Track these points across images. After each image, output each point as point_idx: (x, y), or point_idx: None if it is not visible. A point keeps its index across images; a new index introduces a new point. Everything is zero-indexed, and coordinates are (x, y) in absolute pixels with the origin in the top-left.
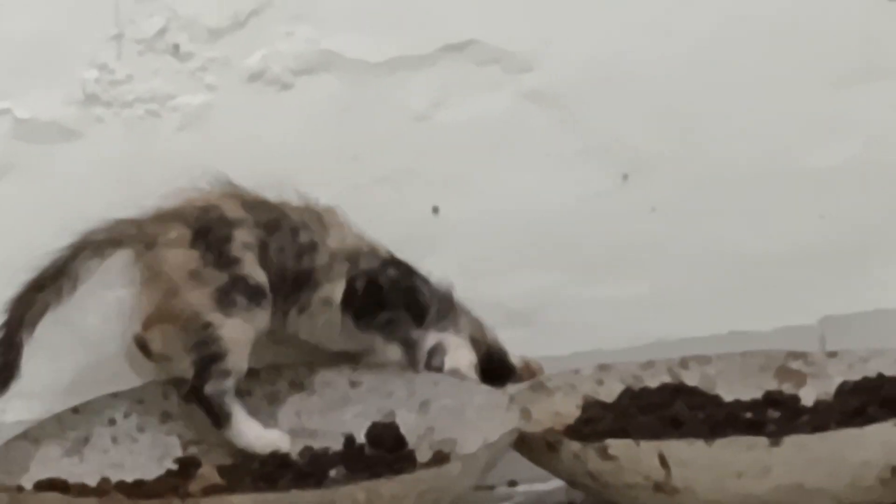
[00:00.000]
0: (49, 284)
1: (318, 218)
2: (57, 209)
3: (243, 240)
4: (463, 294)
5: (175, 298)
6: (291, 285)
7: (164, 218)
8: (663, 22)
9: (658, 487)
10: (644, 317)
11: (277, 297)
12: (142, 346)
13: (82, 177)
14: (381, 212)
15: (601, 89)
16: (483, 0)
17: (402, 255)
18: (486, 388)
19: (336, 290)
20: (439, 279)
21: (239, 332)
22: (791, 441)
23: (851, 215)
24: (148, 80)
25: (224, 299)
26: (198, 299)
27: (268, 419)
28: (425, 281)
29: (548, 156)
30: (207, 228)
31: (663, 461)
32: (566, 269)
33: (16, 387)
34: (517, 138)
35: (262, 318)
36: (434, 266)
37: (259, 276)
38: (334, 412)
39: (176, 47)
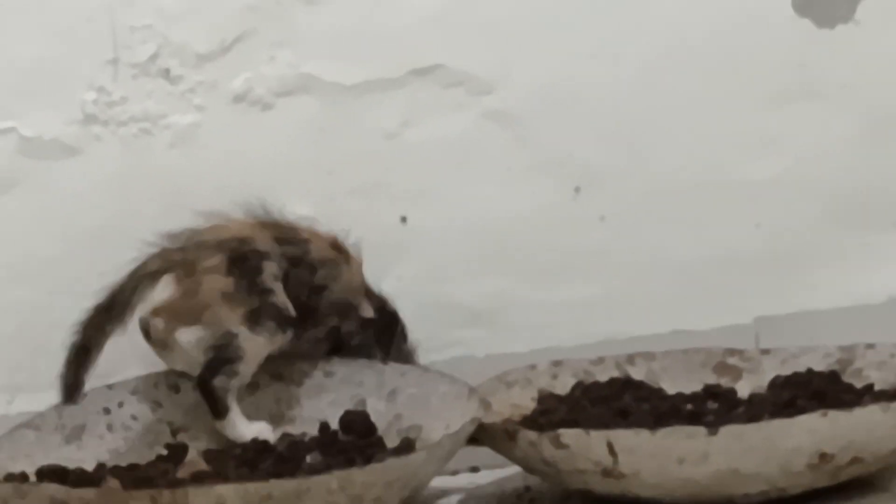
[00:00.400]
0: (115, 312)
1: (335, 258)
2: (59, 219)
3: (272, 272)
4: (429, 297)
5: (207, 311)
6: (299, 316)
7: (205, 247)
8: (611, 48)
9: (607, 473)
10: (594, 317)
11: (288, 324)
12: (144, 328)
13: (82, 190)
14: (354, 221)
15: (555, 110)
16: (448, 28)
17: (374, 261)
18: (449, 378)
19: (321, 339)
20: (409, 342)
21: (258, 348)
22: (728, 430)
23: (783, 224)
24: (141, 101)
25: (254, 319)
26: (227, 315)
27: (249, 406)
28: (393, 338)
29: (507, 170)
30: (242, 259)
31: (611, 449)
32: (523, 273)
33: (22, 381)
34: (479, 154)
35: (282, 341)
36: (402, 271)
37: (289, 306)
38: (310, 400)
39: (167, 71)
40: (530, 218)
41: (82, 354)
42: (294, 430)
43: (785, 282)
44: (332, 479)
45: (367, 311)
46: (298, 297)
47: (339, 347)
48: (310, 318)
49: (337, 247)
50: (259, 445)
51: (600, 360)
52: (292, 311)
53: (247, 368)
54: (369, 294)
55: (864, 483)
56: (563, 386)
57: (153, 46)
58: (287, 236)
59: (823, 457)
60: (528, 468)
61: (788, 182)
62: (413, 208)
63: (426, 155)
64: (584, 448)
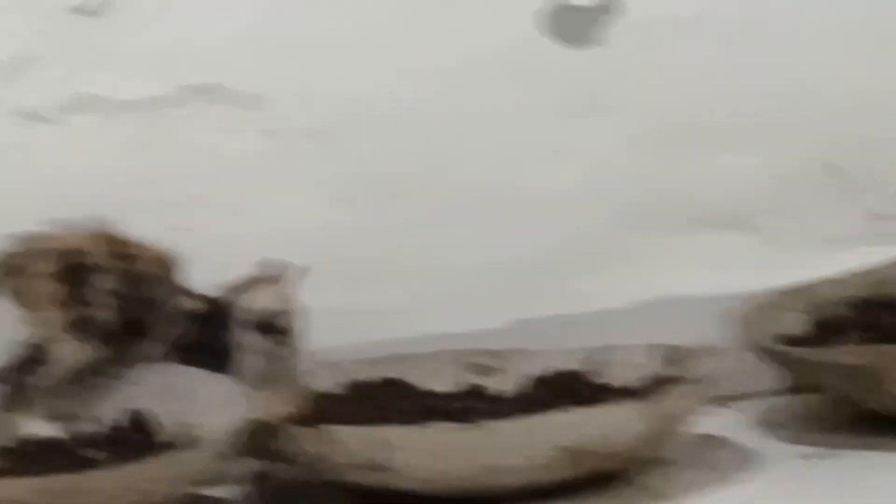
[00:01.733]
0: None
1: (161, 274)
2: None
3: (102, 285)
4: None
5: (32, 314)
6: (125, 330)
7: (38, 254)
8: (413, 65)
9: (374, 467)
10: (370, 321)
11: (113, 338)
12: None
13: None
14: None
15: (360, 124)
16: (247, 46)
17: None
18: (227, 380)
19: (157, 349)
20: None
21: (72, 356)
22: (484, 427)
23: (557, 232)
24: None
25: (75, 328)
26: (49, 320)
27: (43, 407)
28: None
29: (314, 183)
30: (72, 269)
31: (379, 444)
32: (334, 279)
33: None
34: (287, 169)
35: (100, 353)
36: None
37: (106, 318)
38: (99, 401)
39: None
40: (338, 227)
41: None
42: (81, 429)
43: (550, 287)
44: (111, 475)
45: (189, 304)
46: (125, 309)
47: (188, 349)
48: (140, 333)
49: (162, 259)
50: (46, 442)
51: (374, 362)
52: (108, 322)
53: (56, 371)
54: (189, 293)
55: (609, 475)
56: (335, 386)
57: None
58: (120, 250)
59: (569, 450)
60: (300, 463)
61: (577, 192)
62: (222, 219)
63: (236, 169)
64: (354, 444)
